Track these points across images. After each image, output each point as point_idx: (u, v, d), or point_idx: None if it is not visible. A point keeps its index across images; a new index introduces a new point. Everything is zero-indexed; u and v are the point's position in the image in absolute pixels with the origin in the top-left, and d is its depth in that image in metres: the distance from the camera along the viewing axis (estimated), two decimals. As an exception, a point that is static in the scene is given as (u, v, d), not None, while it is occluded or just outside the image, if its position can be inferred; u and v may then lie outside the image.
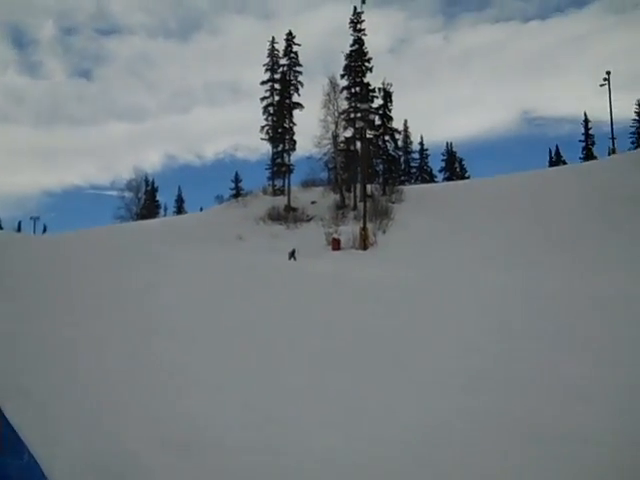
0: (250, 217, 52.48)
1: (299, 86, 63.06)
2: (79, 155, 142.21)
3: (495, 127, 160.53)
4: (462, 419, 6.11)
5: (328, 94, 59.51)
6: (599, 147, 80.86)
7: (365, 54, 59.64)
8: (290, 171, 61.15)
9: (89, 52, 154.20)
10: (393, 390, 7.25)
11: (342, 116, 59.34)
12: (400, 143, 72.10)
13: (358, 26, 59.94)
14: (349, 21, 60.19)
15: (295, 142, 62.16)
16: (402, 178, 72.89)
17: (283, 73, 63.58)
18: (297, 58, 63.59)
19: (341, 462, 5.06)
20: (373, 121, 59.90)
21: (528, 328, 11.26)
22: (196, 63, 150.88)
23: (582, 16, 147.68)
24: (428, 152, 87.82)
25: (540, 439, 5.49)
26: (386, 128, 61.07)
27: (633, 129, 77.05)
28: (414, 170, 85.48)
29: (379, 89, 59.95)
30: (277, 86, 63.95)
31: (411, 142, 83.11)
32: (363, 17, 60.04)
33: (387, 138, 61.99)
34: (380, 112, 60.38)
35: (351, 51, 59.71)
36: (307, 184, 61.04)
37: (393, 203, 52.50)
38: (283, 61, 64.03)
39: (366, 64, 59.60)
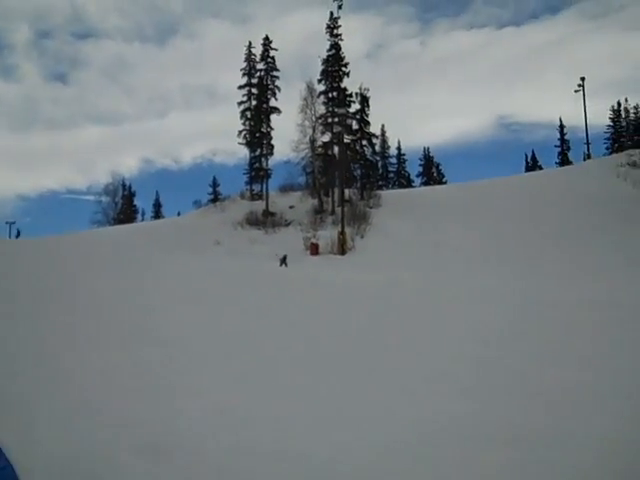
0: (228, 222, 52.33)
1: (276, 91, 63.02)
2: (55, 159, 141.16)
3: (471, 132, 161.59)
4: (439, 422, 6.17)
5: (305, 99, 59.67)
6: (574, 152, 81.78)
7: (342, 59, 59.71)
8: (268, 176, 61.08)
9: (65, 56, 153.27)
10: (372, 391, 7.30)
11: (319, 121, 59.43)
12: (378, 148, 72.43)
13: (335, 31, 60.01)
14: (326, 26, 60.25)
15: (273, 147, 62.12)
16: (380, 183, 73.09)
17: (260, 78, 63.49)
18: (274, 63, 63.58)
19: (315, 463, 5.09)
20: (350, 126, 59.96)
21: (498, 328, 11.38)
22: (173, 67, 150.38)
23: (556, 23, 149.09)
24: (405, 157, 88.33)
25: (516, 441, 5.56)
26: (363, 133, 61.20)
27: (608, 135, 78.02)
28: (392, 175, 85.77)
29: (356, 94, 60.08)
30: (254, 91, 63.84)
31: (388, 147, 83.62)
32: (340, 22, 60.14)
33: (365, 143, 62.11)
34: (357, 117, 60.48)
35: (328, 56, 59.74)
36: (285, 189, 61.01)
37: (371, 208, 52.64)
38: (260, 66, 63.96)
39: (343, 69, 59.66)
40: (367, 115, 61.10)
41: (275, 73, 63.44)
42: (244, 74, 64.57)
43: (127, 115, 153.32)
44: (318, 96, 59.63)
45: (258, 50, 64.13)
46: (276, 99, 62.84)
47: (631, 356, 9.17)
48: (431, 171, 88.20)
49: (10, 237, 64.52)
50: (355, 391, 7.37)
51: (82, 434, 5.46)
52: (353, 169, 61.15)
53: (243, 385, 7.53)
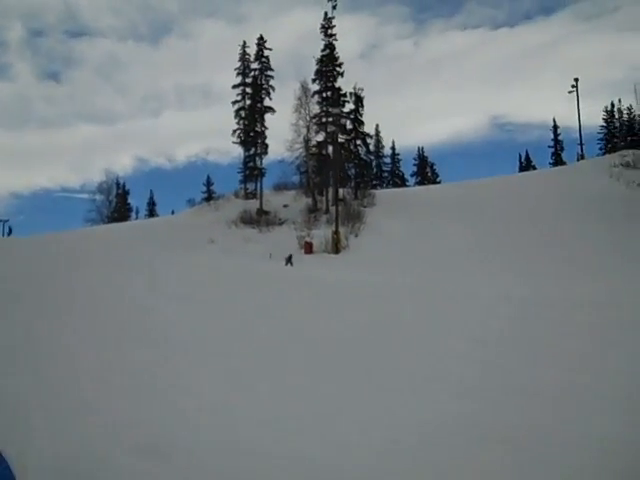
0: (222, 220, 52.29)
1: (270, 90, 62.99)
2: (49, 157, 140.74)
3: (465, 132, 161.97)
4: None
5: (299, 98, 59.60)
6: (568, 153, 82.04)
7: (336, 59, 59.72)
8: (262, 175, 61.06)
9: (58, 54, 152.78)
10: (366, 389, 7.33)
11: (314, 120, 59.39)
12: (372, 147, 72.35)
13: (329, 31, 60.03)
14: (320, 26, 60.26)
15: (267, 146, 62.11)
16: (374, 182, 73.20)
17: (254, 77, 63.44)
18: (268, 62, 63.54)
19: (312, 463, 5.12)
20: (345, 125, 59.99)
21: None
22: (167, 66, 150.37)
23: (551, 24, 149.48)
24: (400, 156, 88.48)
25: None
26: (358, 132, 61.20)
27: (601, 135, 78.26)
28: (386, 174, 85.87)
29: (350, 94, 60.08)
30: (249, 90, 63.80)
31: (383, 146, 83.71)
32: (334, 22, 60.17)
33: (359, 142, 62.09)
34: (351, 116, 60.48)
35: (322, 56, 59.75)
36: (279, 188, 61.04)
37: (365, 207, 52.71)
38: (254, 65, 63.90)
39: (337, 69, 59.68)
40: (361, 115, 61.12)
41: (269, 73, 63.47)
42: (238, 73, 64.58)
43: (121, 114, 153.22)
44: (312, 96, 59.66)
45: (252, 50, 64.16)
46: (270, 99, 62.89)
47: (628, 356, 9.21)
48: (425, 171, 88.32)
49: (3, 235, 64.51)
50: (353, 391, 7.38)
51: (78, 434, 5.48)
52: (347, 168, 61.16)
53: (240, 385, 7.55)
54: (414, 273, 26.83)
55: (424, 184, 77.62)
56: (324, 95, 59.38)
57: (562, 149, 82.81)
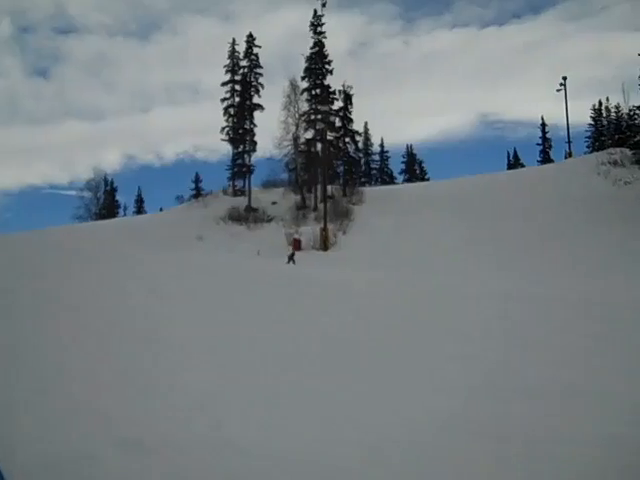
0: (210, 217, 52.23)
1: (260, 88, 62.85)
2: (36, 154, 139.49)
3: (454, 130, 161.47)
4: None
5: (288, 96, 59.68)
6: (556, 151, 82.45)
7: (325, 56, 59.80)
8: (251, 172, 60.98)
9: (46, 51, 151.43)
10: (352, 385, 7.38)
11: (302, 118, 59.45)
12: (360, 145, 72.47)
13: (318, 29, 60.11)
14: (309, 24, 60.35)
15: (256, 143, 62.05)
16: (362, 179, 73.27)
17: (244, 74, 63.31)
18: (258, 60, 63.40)
19: (295, 460, 5.17)
20: (333, 123, 60.06)
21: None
22: (156, 63, 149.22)
23: (539, 23, 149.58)
24: (388, 154, 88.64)
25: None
26: (346, 130, 61.29)
27: (589, 133, 78.60)
28: (374, 172, 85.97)
29: (339, 91, 60.20)
30: (238, 87, 63.65)
31: (371, 144, 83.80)
32: (323, 20, 60.30)
33: (347, 140, 62.18)
34: (340, 114, 60.56)
35: (311, 53, 59.81)
36: (268, 185, 61.03)
37: (354, 204, 52.84)
38: (244, 63, 63.75)
39: (326, 66, 59.78)
40: (350, 112, 61.24)
41: (259, 70, 63.31)
42: (227, 71, 64.40)
43: (109, 111, 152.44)
44: (301, 93, 59.75)
45: (242, 47, 64.00)
46: (259, 96, 62.78)
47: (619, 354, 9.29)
48: (414, 168, 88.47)
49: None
50: (344, 389, 7.37)
51: (64, 430, 5.50)
52: (336, 166, 61.29)
53: (228, 382, 7.56)
54: (403, 270, 26.91)
55: (412, 182, 77.74)
56: (313, 93, 59.48)
57: (550, 147, 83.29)
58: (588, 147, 76.03)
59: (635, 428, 5.80)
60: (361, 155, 74.79)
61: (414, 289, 17.66)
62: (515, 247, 36.00)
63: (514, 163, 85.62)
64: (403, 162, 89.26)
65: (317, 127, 58.56)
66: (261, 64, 63.60)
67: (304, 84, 59.90)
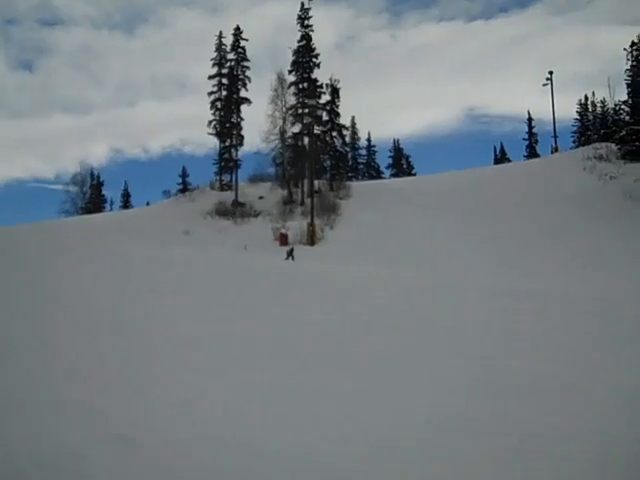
0: (197, 212, 52.15)
1: (247, 81, 62.75)
2: (21, 148, 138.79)
3: (441, 124, 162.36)
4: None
5: (276, 89, 59.53)
6: (542, 145, 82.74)
7: (312, 50, 59.75)
8: (238, 166, 60.93)
9: (31, 43, 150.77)
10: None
11: (290, 112, 59.36)
12: (348, 139, 72.42)
13: (305, 22, 60.04)
14: (297, 17, 60.28)
15: (243, 137, 62.00)
16: (349, 174, 73.22)
17: (231, 68, 63.14)
18: (245, 53, 63.28)
19: (275, 455, 5.16)
20: (321, 117, 60.03)
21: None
22: (142, 56, 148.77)
23: (525, 17, 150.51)
24: (375, 148, 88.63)
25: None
26: (333, 124, 61.29)
27: (575, 128, 78.93)
28: (361, 166, 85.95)
29: (327, 85, 60.23)
30: (225, 81, 63.49)
31: (358, 138, 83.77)
32: (311, 13, 60.27)
33: (335, 134, 62.20)
34: (327, 108, 60.55)
35: (299, 47, 59.74)
36: (255, 179, 60.95)
37: (341, 199, 52.90)
38: (231, 56, 63.58)
39: (314, 60, 59.73)
40: (337, 106, 61.24)
41: (246, 63, 63.23)
42: (214, 64, 64.21)
43: (95, 104, 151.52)
44: (289, 87, 59.65)
45: (229, 40, 63.85)
46: (246, 90, 62.68)
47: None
48: (401, 162, 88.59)
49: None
50: (335, 386, 7.29)
51: (50, 426, 5.47)
52: (323, 160, 61.31)
53: (212, 376, 7.54)
54: (390, 264, 26.92)
55: (399, 176, 77.84)
56: (300, 86, 59.40)
57: (537, 142, 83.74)
58: (574, 142, 76.48)
59: (635, 427, 5.80)
60: (348, 149, 74.75)
61: (404, 284, 17.60)
62: (503, 242, 36.15)
63: (501, 158, 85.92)
64: (390, 156, 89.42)
65: (304, 121, 58.50)
66: (248, 57, 63.63)
67: (291, 78, 59.94)
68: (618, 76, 58.36)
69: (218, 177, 63.85)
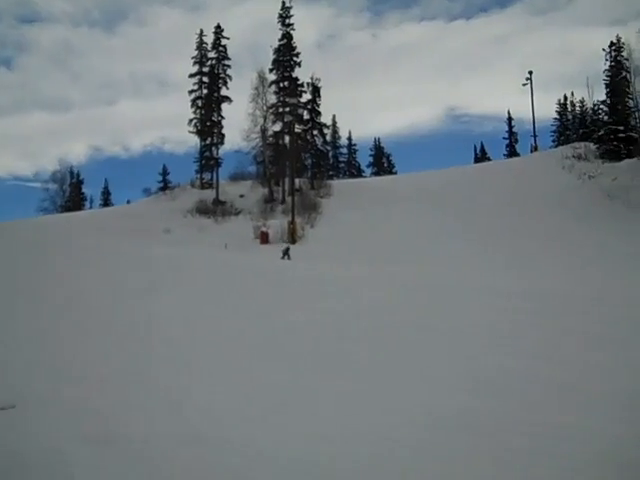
0: (178, 210, 51.93)
1: (228, 80, 62.52)
2: None
3: (421, 124, 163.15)
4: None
5: (257, 88, 59.49)
6: (522, 144, 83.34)
7: (294, 49, 59.78)
8: (218, 165, 60.72)
9: (9, 40, 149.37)
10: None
11: (271, 110, 59.37)
12: (328, 138, 72.56)
13: (287, 21, 60.06)
14: (278, 16, 60.29)
15: (224, 136, 61.76)
16: (330, 173, 73.32)
17: (212, 66, 62.92)
18: (226, 52, 63.06)
19: (257, 453, 5.19)
20: (302, 115, 60.09)
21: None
22: (122, 54, 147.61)
23: (505, 17, 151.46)
24: (356, 147, 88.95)
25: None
26: (314, 123, 61.31)
27: (554, 127, 79.52)
28: (342, 165, 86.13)
29: (307, 84, 60.23)
30: (205, 79, 63.24)
31: (339, 137, 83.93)
32: (292, 12, 60.29)
33: (315, 133, 62.21)
34: (308, 107, 60.57)
35: (280, 45, 59.73)
36: (236, 178, 60.76)
37: (321, 197, 52.96)
38: (212, 54, 63.34)
39: (295, 59, 59.76)
40: (318, 105, 61.25)
41: (226, 62, 62.99)
42: (195, 62, 63.93)
43: (75, 101, 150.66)
44: (269, 85, 59.64)
45: (210, 38, 63.57)
46: (227, 88, 62.47)
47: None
48: (381, 161, 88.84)
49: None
50: (325, 383, 7.38)
51: (31, 425, 5.47)
52: (304, 159, 61.33)
53: (196, 374, 7.55)
54: (371, 262, 26.99)
55: (380, 175, 78.05)
56: (281, 85, 59.42)
57: (516, 141, 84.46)
58: (553, 141, 77.08)
59: (634, 427, 5.84)
60: (329, 148, 74.91)
61: (391, 283, 17.61)
62: (484, 240, 36.39)
63: (481, 157, 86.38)
64: (371, 155, 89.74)
65: (285, 120, 58.53)
66: (229, 56, 63.40)
67: (272, 76, 59.93)
68: (597, 76, 58.80)
69: (199, 175, 63.61)
